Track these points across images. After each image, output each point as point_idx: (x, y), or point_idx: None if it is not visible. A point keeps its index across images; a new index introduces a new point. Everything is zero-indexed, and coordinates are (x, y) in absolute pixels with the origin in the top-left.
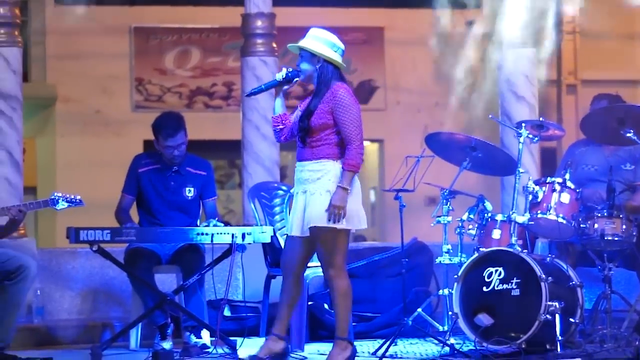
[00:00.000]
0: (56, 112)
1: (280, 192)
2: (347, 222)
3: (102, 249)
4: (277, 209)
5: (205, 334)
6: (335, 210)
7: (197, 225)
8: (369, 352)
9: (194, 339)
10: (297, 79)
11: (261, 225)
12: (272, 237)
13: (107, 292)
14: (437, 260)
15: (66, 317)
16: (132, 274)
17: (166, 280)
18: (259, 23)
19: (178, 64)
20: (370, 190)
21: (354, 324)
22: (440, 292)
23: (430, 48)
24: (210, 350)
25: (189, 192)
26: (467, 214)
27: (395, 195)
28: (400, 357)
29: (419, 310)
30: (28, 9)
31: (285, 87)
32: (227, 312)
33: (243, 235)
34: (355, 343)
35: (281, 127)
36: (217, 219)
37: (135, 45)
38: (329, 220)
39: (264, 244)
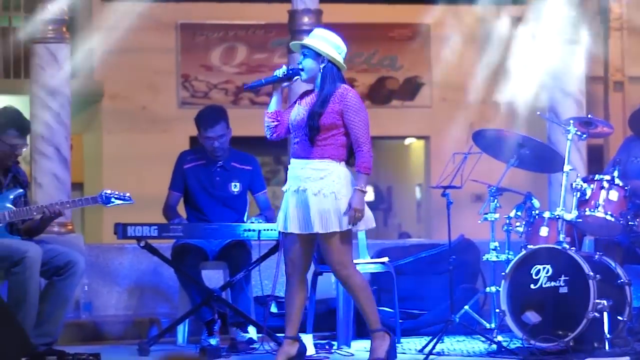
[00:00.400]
0: (103, 109)
1: None
2: (364, 224)
3: (150, 245)
4: None
5: (252, 330)
6: (356, 214)
7: (243, 221)
8: (415, 349)
9: (240, 334)
10: (297, 77)
11: None
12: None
13: (155, 288)
14: (484, 258)
15: (113, 313)
16: (179, 270)
17: (213, 277)
18: (305, 19)
19: (224, 60)
20: (416, 187)
21: (400, 320)
22: (488, 289)
23: (477, 44)
24: (256, 345)
25: (235, 187)
26: (514, 211)
27: (442, 192)
28: (447, 355)
29: (466, 307)
30: (75, 5)
31: (285, 84)
32: (273, 309)
33: None
34: (402, 340)
35: (275, 123)
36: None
37: (182, 42)
38: (349, 223)
39: None
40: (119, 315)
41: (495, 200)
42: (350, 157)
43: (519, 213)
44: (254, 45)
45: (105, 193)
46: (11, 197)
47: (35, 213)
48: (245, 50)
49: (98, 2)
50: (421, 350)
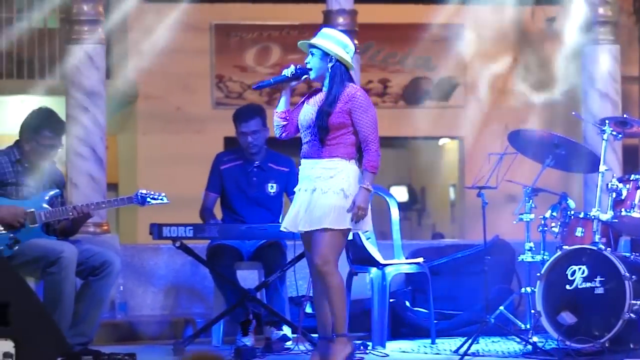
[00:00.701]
0: (138, 110)
1: None
2: (365, 224)
3: (185, 245)
4: None
5: (286, 329)
6: (360, 212)
7: (279, 222)
8: (450, 350)
9: (275, 334)
10: (306, 76)
11: None
12: (354, 234)
13: (190, 289)
14: (519, 258)
15: (149, 313)
16: (214, 270)
17: (248, 277)
18: (340, 20)
19: (258, 61)
20: (450, 187)
21: (435, 321)
22: (523, 290)
23: (511, 44)
24: (291, 346)
25: (271, 188)
26: (549, 211)
27: (477, 193)
28: (482, 355)
29: (501, 308)
30: (110, 6)
31: (293, 83)
32: (308, 309)
33: None
34: (437, 341)
35: (285, 123)
36: None
37: (216, 43)
38: (352, 220)
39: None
40: (154, 315)
41: (531, 201)
42: (360, 156)
43: (554, 214)
44: (288, 45)
45: (141, 193)
46: (47, 197)
47: (70, 213)
48: (280, 51)
49: (134, 3)
50: (456, 351)
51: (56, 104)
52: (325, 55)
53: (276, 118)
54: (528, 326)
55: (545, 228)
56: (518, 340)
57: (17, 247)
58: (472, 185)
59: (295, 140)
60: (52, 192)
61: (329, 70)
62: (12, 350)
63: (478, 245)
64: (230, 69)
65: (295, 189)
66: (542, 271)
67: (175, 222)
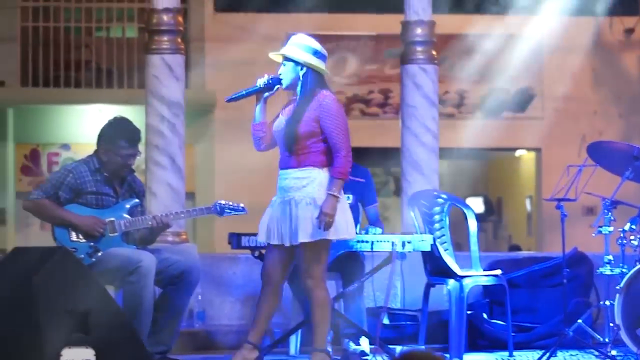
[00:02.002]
0: (215, 119)
1: (440, 200)
2: (336, 233)
3: (262, 255)
4: (437, 217)
5: (364, 342)
6: (326, 218)
7: (356, 233)
8: None
9: (352, 346)
10: (278, 86)
11: (421, 233)
12: (431, 245)
13: None
14: (598, 271)
15: (226, 323)
16: (292, 280)
17: None
18: (418, 31)
19: (335, 71)
20: (527, 199)
21: (513, 334)
22: (601, 303)
23: (589, 56)
24: (369, 357)
25: (348, 199)
26: (629, 224)
27: (556, 205)
28: None
29: (580, 321)
30: (188, 16)
31: (266, 94)
32: (386, 320)
33: (403, 244)
34: (515, 353)
35: (262, 135)
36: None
37: None
38: (319, 227)
39: (423, 252)
40: (232, 324)
41: (610, 213)
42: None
43: (633, 226)
44: (364, 56)
45: (219, 204)
46: (127, 206)
47: (150, 223)
48: (356, 62)
49: (210, 14)
50: None
51: (135, 114)
52: (296, 64)
53: (253, 131)
54: (607, 339)
55: (624, 241)
56: (596, 353)
57: (97, 256)
58: (551, 197)
59: (369, 150)
60: (132, 202)
61: (300, 78)
62: (93, 359)
63: (556, 257)
64: None
65: (274, 198)
66: (622, 284)
67: (252, 231)
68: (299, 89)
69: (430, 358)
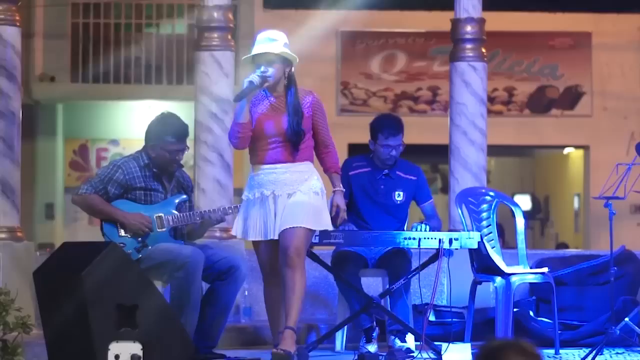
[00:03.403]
0: None
1: (488, 197)
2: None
3: (310, 251)
4: (484, 214)
5: (410, 339)
6: (343, 214)
7: (404, 230)
8: None
9: (398, 343)
10: (267, 83)
11: (468, 230)
12: (479, 242)
13: (314, 294)
14: None
15: None
16: (339, 276)
17: (372, 284)
18: (468, 28)
19: (384, 68)
20: (574, 196)
21: (559, 331)
22: None
23: (639, 53)
24: (414, 354)
25: (399, 196)
26: None
27: (605, 203)
28: None
29: (627, 319)
30: (238, 13)
31: (255, 92)
32: (432, 317)
33: (450, 241)
34: (561, 351)
35: (249, 134)
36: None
37: (342, 50)
38: (335, 223)
39: (470, 250)
40: None
41: None
42: None
43: None
44: (413, 53)
45: None
46: (176, 202)
47: (198, 218)
48: (405, 58)
49: (260, 11)
50: None
51: (185, 110)
52: (283, 61)
53: (239, 129)
54: None
55: None
56: None
57: (145, 251)
58: (600, 196)
59: (417, 147)
60: (180, 197)
61: (286, 75)
62: (140, 353)
63: (604, 255)
64: (355, 75)
65: (246, 195)
66: None
67: None
68: (283, 85)
69: (522, 349)
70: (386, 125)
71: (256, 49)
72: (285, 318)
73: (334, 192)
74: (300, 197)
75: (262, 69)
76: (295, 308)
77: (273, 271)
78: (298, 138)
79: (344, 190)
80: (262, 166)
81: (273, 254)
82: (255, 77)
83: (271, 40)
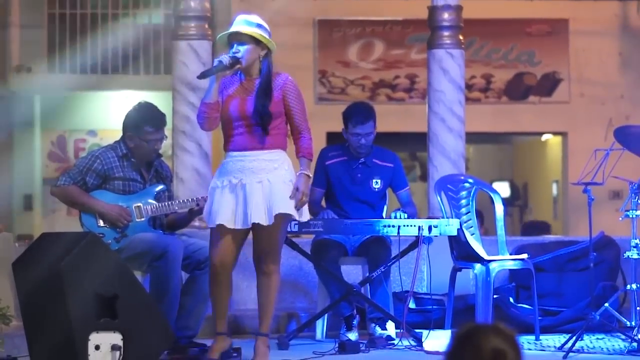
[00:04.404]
0: None
1: (467, 184)
2: (303, 215)
3: (290, 239)
4: (464, 201)
5: (390, 326)
6: (303, 198)
7: (382, 217)
8: (554, 347)
9: (379, 330)
10: (238, 65)
11: (447, 218)
12: (458, 229)
13: (294, 283)
14: (625, 255)
15: (253, 307)
16: (318, 265)
17: (352, 272)
18: (445, 15)
19: (361, 56)
20: (553, 183)
21: (539, 318)
22: (628, 287)
23: (616, 39)
24: (395, 342)
25: (376, 183)
26: None
27: (584, 189)
28: (587, 352)
29: (606, 305)
30: (215, 2)
31: (227, 72)
32: (412, 305)
33: (430, 228)
34: (541, 337)
35: (217, 114)
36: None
37: (319, 38)
38: (296, 207)
39: (449, 237)
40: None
41: (637, 197)
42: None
43: None
44: (391, 41)
45: None
46: (155, 191)
47: (177, 208)
48: (383, 46)
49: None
50: (560, 348)
51: (162, 99)
52: (257, 44)
53: (206, 110)
54: (633, 323)
55: None
56: (623, 337)
57: (124, 241)
58: (578, 182)
59: (395, 135)
60: (159, 187)
61: (261, 58)
62: (121, 343)
63: (583, 241)
64: (333, 64)
65: (215, 184)
66: None
67: None
68: (257, 69)
69: (499, 331)
70: (354, 114)
71: (231, 29)
72: (260, 323)
73: (298, 174)
74: (268, 186)
75: (234, 48)
76: (270, 314)
77: (224, 269)
78: (263, 121)
79: (311, 176)
80: (230, 153)
81: (231, 247)
82: (225, 57)
83: (247, 23)
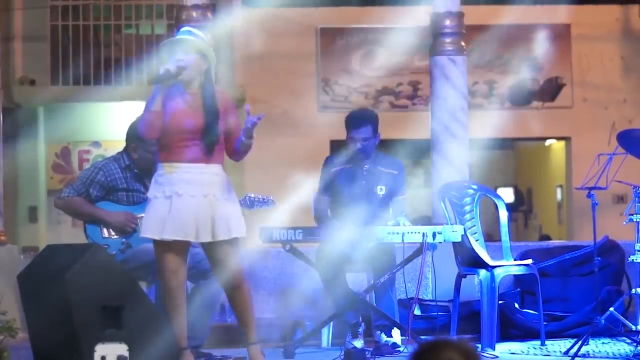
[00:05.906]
0: (244, 113)
1: (471, 190)
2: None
3: (295, 248)
4: (467, 207)
5: (396, 333)
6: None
7: (387, 224)
8: (560, 352)
9: (384, 338)
10: (184, 73)
11: (451, 224)
12: (462, 236)
13: (299, 291)
14: (630, 259)
15: (258, 316)
16: (323, 273)
17: (357, 279)
18: (447, 22)
19: (364, 64)
20: (557, 188)
21: (544, 322)
22: (633, 291)
23: (618, 44)
24: (401, 349)
25: (380, 190)
26: None
27: (587, 194)
28: (592, 357)
29: (611, 309)
30: (217, 12)
31: (171, 82)
32: (417, 311)
33: (434, 234)
34: (547, 342)
35: (162, 123)
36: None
37: (322, 46)
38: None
39: (454, 243)
40: (263, 318)
41: None
42: None
43: None
44: (393, 48)
45: (249, 197)
46: None
47: None
48: (385, 54)
49: (239, 8)
50: (566, 353)
51: None
52: (203, 57)
53: (152, 119)
54: (639, 327)
55: None
56: (628, 341)
57: (129, 252)
58: (582, 186)
59: (398, 142)
60: None
61: (204, 72)
62: (126, 354)
63: (588, 246)
64: (336, 72)
65: (152, 194)
66: None
67: (282, 224)
68: (198, 82)
69: (456, 346)
70: (350, 118)
71: (178, 37)
72: (247, 334)
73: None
74: (216, 203)
75: (178, 56)
76: (254, 321)
77: (179, 285)
78: (213, 137)
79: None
80: (177, 164)
81: (178, 258)
82: (171, 66)
83: (191, 34)
